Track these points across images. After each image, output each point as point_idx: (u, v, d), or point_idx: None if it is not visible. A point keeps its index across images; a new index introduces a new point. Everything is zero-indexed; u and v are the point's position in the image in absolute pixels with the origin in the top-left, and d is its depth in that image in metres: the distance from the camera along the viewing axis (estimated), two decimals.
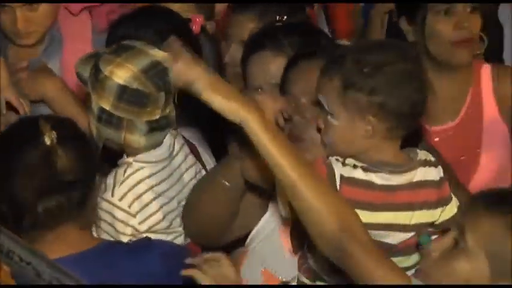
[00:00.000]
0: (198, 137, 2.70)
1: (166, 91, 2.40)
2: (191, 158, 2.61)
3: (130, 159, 2.51)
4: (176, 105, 2.37)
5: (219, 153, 2.69)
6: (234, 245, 2.53)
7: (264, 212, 2.35)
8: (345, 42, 2.92)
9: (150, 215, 2.48)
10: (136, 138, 2.45)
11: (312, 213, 1.84)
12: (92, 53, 2.58)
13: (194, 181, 2.56)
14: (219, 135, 2.62)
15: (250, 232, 2.44)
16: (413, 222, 2.02)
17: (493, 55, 3.39)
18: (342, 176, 1.94)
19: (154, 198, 2.49)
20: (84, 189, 2.23)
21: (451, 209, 2.09)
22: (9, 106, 2.73)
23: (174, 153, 2.56)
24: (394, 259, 1.94)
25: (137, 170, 2.49)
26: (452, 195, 2.13)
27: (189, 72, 1.91)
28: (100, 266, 2.19)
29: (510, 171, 2.84)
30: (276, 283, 2.35)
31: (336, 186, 1.95)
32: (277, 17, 2.89)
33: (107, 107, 2.39)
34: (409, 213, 2.01)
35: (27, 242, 1.98)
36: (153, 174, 2.50)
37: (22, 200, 2.16)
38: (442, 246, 1.79)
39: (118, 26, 2.81)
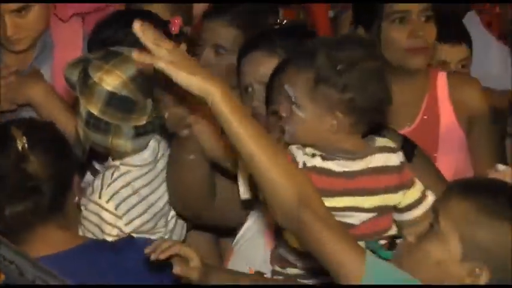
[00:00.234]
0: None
1: (153, 98, 2.39)
2: None
3: (117, 163, 2.52)
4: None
5: None
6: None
7: None
8: None
9: (136, 217, 2.49)
10: (123, 143, 2.45)
11: (270, 184, 1.81)
12: (80, 57, 2.57)
13: None
14: None
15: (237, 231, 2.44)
16: (374, 205, 2.01)
17: None
18: (304, 164, 1.94)
19: (140, 201, 2.50)
20: (57, 191, 2.24)
21: (413, 193, 2.08)
22: None
23: (158, 157, 2.54)
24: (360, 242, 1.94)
25: (124, 173, 2.50)
26: (416, 180, 2.11)
27: (155, 51, 1.86)
28: (83, 264, 2.21)
29: (465, 174, 2.80)
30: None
31: None
32: (277, 20, 2.94)
33: (95, 112, 2.39)
34: (370, 197, 2.00)
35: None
36: (139, 177, 2.50)
37: None
38: (418, 230, 1.80)
39: (98, 29, 2.80)
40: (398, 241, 1.98)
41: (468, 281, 1.71)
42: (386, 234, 2.07)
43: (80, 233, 2.45)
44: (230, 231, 2.51)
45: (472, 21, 3.92)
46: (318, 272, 1.95)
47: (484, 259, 1.69)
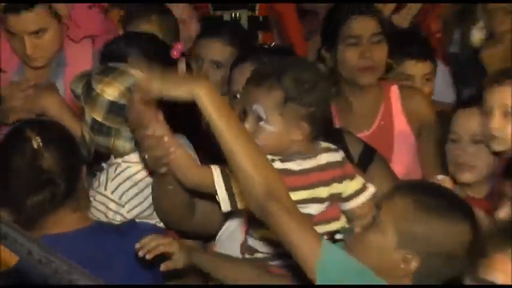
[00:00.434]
0: (186, 142, 2.67)
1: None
2: None
3: (119, 160, 2.55)
4: (166, 115, 2.27)
5: (204, 155, 2.70)
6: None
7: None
8: None
9: (136, 205, 2.53)
10: (122, 143, 2.52)
11: (244, 173, 1.83)
12: (83, 72, 2.61)
13: None
14: (202, 139, 2.72)
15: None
16: (326, 195, 2.09)
17: None
18: None
19: (139, 192, 2.54)
20: (69, 182, 2.30)
21: (355, 184, 2.17)
22: None
23: None
24: (317, 227, 1.98)
25: (125, 169, 2.55)
26: (357, 175, 2.21)
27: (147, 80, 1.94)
28: (91, 243, 2.28)
29: (416, 174, 2.90)
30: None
31: None
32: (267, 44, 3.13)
33: (99, 118, 2.46)
34: (322, 188, 2.08)
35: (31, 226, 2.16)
36: (137, 172, 2.53)
37: (13, 198, 2.28)
38: (364, 223, 1.88)
39: (111, 44, 2.84)
40: (337, 236, 2.04)
41: (402, 266, 1.78)
42: (334, 224, 2.13)
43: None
44: (212, 237, 2.52)
45: None
46: (281, 256, 2.05)
47: (416, 248, 1.76)
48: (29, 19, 3.07)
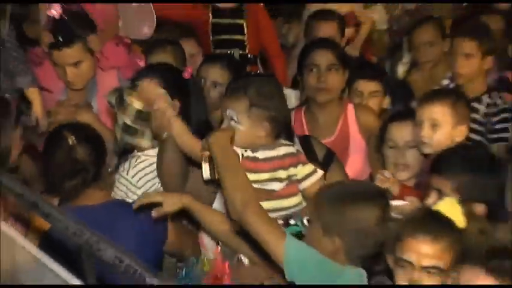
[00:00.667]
0: None
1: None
2: None
3: (139, 153, 2.56)
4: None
5: None
6: None
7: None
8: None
9: (149, 188, 2.54)
10: (143, 141, 2.55)
11: (227, 192, 1.94)
12: (116, 88, 2.66)
13: None
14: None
15: None
16: (285, 176, 2.12)
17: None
18: (242, 155, 2.06)
19: (153, 178, 2.54)
20: (96, 169, 2.33)
21: (307, 169, 2.19)
22: None
23: None
24: (279, 200, 2.12)
25: (143, 160, 2.56)
26: (309, 163, 2.23)
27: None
28: (110, 214, 2.28)
29: (366, 172, 2.88)
30: (217, 250, 2.26)
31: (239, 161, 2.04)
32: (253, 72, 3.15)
33: (128, 122, 2.49)
34: (281, 171, 2.11)
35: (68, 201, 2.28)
36: (152, 163, 2.52)
37: (54, 183, 2.33)
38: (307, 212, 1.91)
39: (141, 71, 2.80)
40: (291, 221, 2.06)
41: (330, 247, 1.79)
42: (292, 199, 2.16)
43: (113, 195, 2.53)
44: None
45: None
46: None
47: (337, 233, 1.78)
48: (68, 54, 3.06)
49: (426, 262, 1.72)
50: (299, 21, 4.24)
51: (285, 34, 4.38)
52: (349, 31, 4.08)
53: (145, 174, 2.55)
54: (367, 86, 3.18)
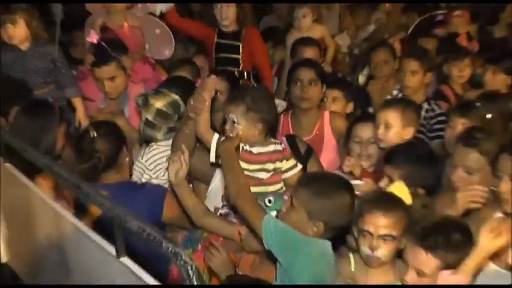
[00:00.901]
0: None
1: (178, 114, 2.45)
2: None
3: (153, 144, 2.53)
4: None
5: None
6: None
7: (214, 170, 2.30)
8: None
9: (158, 170, 2.51)
10: (160, 135, 2.51)
11: (227, 182, 1.93)
12: (142, 93, 2.65)
13: None
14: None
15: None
16: (271, 168, 2.08)
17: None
18: (242, 148, 2.02)
19: (161, 163, 2.49)
20: (111, 158, 2.30)
21: (290, 163, 2.15)
22: None
23: None
24: (265, 186, 2.06)
25: (155, 149, 2.53)
26: (292, 158, 2.18)
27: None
28: (124, 191, 2.22)
29: (336, 163, 2.80)
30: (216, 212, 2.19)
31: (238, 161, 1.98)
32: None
33: (150, 118, 2.47)
34: (269, 164, 2.07)
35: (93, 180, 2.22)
36: (163, 151, 2.48)
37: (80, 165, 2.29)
38: (285, 205, 1.83)
39: (164, 82, 2.76)
40: (268, 201, 2.00)
41: (314, 230, 1.72)
42: (275, 186, 2.10)
43: (133, 178, 2.51)
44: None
45: None
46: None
47: (319, 218, 1.72)
48: (105, 71, 3.04)
49: (382, 231, 1.72)
50: (283, 46, 4.22)
51: (271, 55, 4.32)
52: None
53: (156, 160, 2.51)
54: (330, 93, 3.12)
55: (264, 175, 2.07)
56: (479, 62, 3.45)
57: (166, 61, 3.68)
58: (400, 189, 1.79)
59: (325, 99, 3.07)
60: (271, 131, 2.16)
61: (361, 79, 3.85)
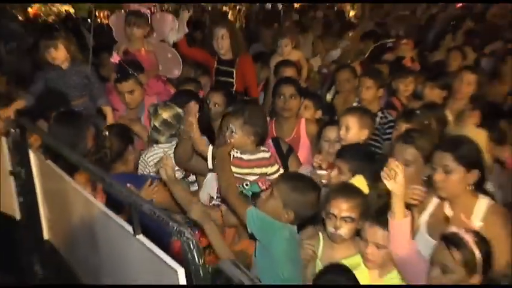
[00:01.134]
0: (206, 139, 2.50)
1: (179, 124, 2.38)
2: None
3: (155, 145, 2.49)
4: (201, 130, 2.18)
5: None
6: None
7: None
8: None
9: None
10: (163, 139, 2.47)
11: (219, 180, 1.91)
12: (154, 104, 2.59)
13: None
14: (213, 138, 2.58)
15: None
16: (259, 172, 2.02)
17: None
18: (233, 156, 1.97)
19: (159, 160, 2.30)
20: (119, 152, 2.29)
21: (274, 168, 2.07)
22: None
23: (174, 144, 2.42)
24: (253, 185, 1.95)
25: (156, 149, 2.48)
26: (276, 163, 2.08)
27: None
28: (127, 179, 2.09)
29: (310, 159, 2.68)
30: (211, 203, 2.11)
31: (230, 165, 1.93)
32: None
33: (157, 125, 2.43)
34: (256, 169, 2.01)
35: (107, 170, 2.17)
36: (161, 152, 2.40)
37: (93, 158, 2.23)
38: (266, 194, 1.79)
39: (174, 96, 2.78)
40: (245, 187, 1.95)
41: (286, 216, 1.69)
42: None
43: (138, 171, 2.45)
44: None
45: None
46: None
47: (291, 208, 1.70)
48: (125, 86, 2.98)
49: (344, 214, 1.71)
50: (268, 67, 4.19)
51: (258, 74, 4.25)
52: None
53: (155, 158, 2.46)
54: (303, 102, 3.03)
55: (251, 178, 2.01)
56: (420, 79, 3.46)
57: (175, 79, 3.62)
58: (359, 182, 1.77)
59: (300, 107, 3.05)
60: (261, 141, 2.10)
61: (329, 97, 3.82)
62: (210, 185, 2.18)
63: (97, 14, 8.44)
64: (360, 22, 7.06)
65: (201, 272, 1.06)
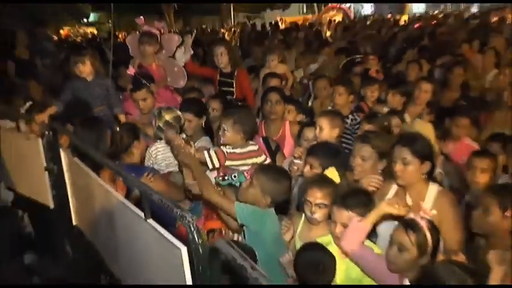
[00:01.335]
0: (208, 140, 2.48)
1: (179, 124, 2.33)
2: None
3: (158, 141, 2.42)
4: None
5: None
6: None
7: None
8: None
9: (159, 158, 2.41)
10: (163, 135, 2.31)
11: (197, 181, 1.77)
12: (158, 107, 2.48)
13: None
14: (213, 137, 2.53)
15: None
16: (250, 163, 1.98)
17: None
18: (226, 152, 1.93)
19: (162, 154, 2.41)
20: (127, 146, 2.25)
21: (262, 158, 2.03)
22: None
23: None
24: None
25: (158, 145, 2.43)
26: (264, 154, 2.02)
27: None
28: (132, 169, 2.07)
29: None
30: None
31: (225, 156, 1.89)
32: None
33: (160, 125, 2.32)
34: (247, 160, 1.97)
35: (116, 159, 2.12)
36: (163, 147, 2.40)
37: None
38: (246, 183, 1.73)
39: (182, 102, 2.69)
40: (225, 179, 1.85)
41: (263, 201, 1.63)
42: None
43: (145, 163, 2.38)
44: None
45: None
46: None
47: (268, 194, 1.67)
48: (139, 94, 2.93)
49: (318, 201, 1.70)
50: (258, 78, 4.14)
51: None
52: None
53: (157, 152, 2.43)
54: (287, 107, 2.93)
55: (245, 168, 1.99)
56: (384, 87, 3.45)
57: (181, 89, 3.57)
58: (332, 173, 1.75)
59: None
60: (250, 138, 2.08)
61: (310, 103, 3.78)
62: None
63: (116, 34, 8.47)
64: (334, 41, 7.13)
65: (200, 250, 1.07)
